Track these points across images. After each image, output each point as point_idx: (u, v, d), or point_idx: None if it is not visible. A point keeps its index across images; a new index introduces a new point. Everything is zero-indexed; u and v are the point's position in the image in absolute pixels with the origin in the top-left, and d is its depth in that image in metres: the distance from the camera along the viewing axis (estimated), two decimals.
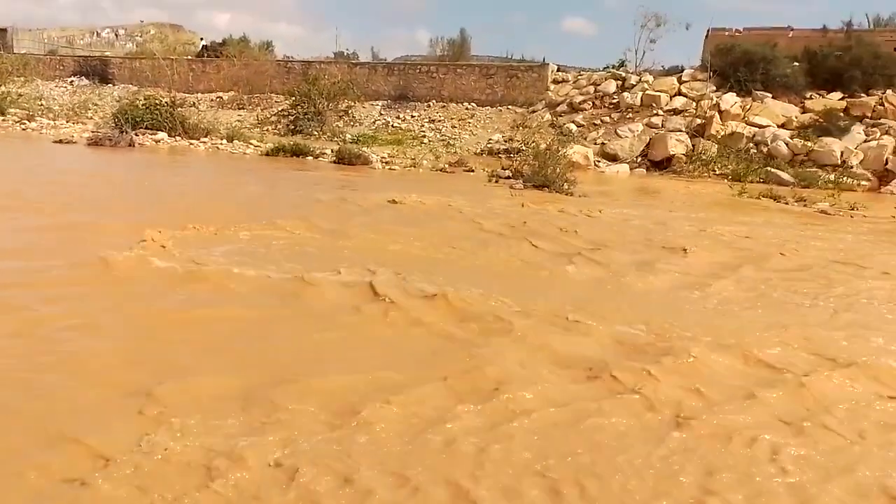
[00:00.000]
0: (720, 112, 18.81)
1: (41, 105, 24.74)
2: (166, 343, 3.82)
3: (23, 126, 20.96)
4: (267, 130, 22.03)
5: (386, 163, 16.56)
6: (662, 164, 17.91)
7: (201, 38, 37.20)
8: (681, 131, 18.52)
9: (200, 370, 3.44)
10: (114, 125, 18.84)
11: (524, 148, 16.34)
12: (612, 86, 21.14)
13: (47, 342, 3.75)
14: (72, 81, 28.87)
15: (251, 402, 3.09)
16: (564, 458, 2.79)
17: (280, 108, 23.64)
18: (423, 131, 21.79)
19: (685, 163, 17.59)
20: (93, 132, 18.59)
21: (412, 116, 22.93)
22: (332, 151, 17.22)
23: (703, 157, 17.58)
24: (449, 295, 4.89)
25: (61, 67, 30.15)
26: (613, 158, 18.42)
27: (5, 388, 3.13)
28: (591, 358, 3.91)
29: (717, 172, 17.05)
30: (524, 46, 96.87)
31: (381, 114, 23.40)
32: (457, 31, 34.12)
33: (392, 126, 22.46)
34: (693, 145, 18.10)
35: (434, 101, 23.59)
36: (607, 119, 20.14)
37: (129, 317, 4.23)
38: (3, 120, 21.77)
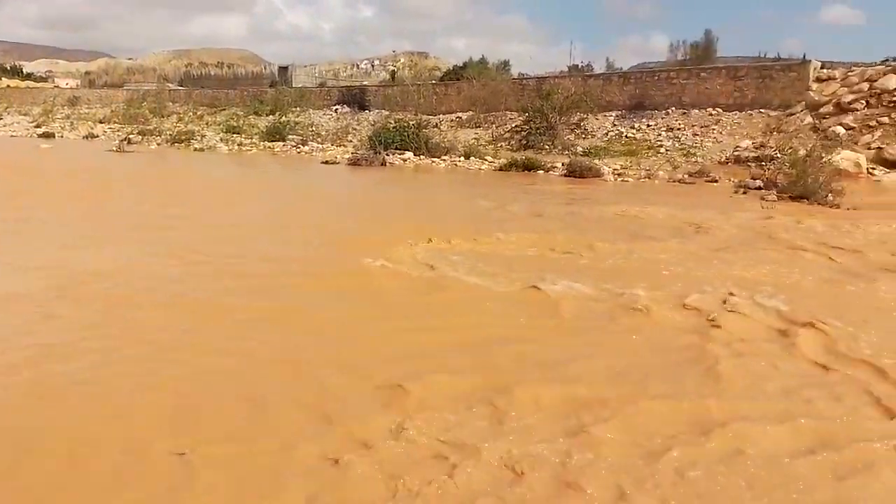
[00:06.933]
0: None
1: (312, 131, 28.53)
2: (415, 343, 4.11)
3: (298, 150, 24.40)
4: (501, 146, 22.80)
5: (618, 175, 16.14)
6: None
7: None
8: None
9: (446, 369, 3.65)
10: (369, 147, 21.07)
11: (778, 155, 14.75)
12: (892, 81, 18.11)
13: (316, 337, 4.27)
14: (336, 109, 32.85)
15: (489, 402, 3.21)
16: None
17: (514, 125, 24.34)
18: (660, 140, 20.78)
19: None
20: (352, 154, 20.96)
21: (648, 126, 22.02)
22: (562, 165, 17.26)
23: None
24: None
25: (328, 97, 34.48)
26: (894, 165, 15.75)
27: (289, 370, 3.62)
28: None
29: None
30: (777, 44, 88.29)
31: (615, 125, 22.86)
32: (696, 34, 32.24)
33: (626, 136, 21.79)
34: None
35: (673, 108, 22.41)
36: (886, 120, 17.30)
37: (381, 319, 4.64)
38: (284, 145, 25.58)
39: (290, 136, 26.81)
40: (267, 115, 32.02)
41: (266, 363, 3.78)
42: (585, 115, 22.97)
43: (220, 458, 2.76)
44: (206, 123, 32.63)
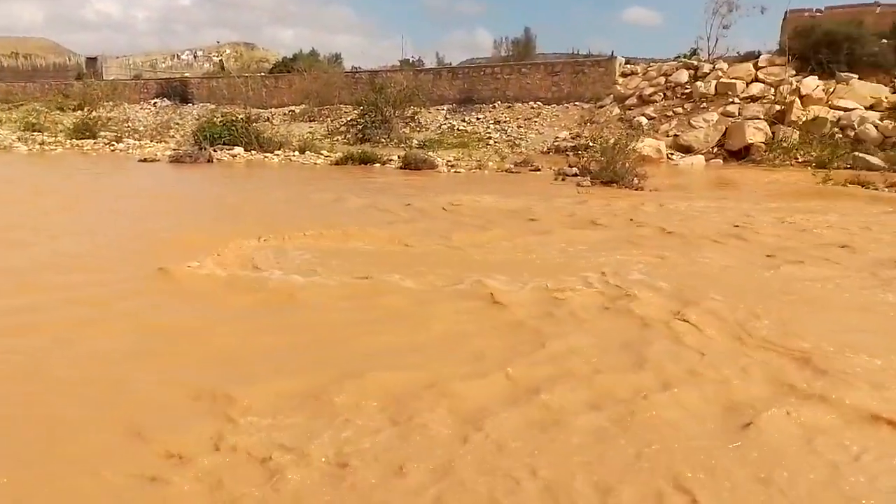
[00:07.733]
0: (801, 97, 17.87)
1: (128, 127, 26.25)
2: (238, 347, 3.95)
3: (112, 147, 22.31)
4: (337, 140, 22.55)
5: (451, 166, 16.62)
6: (740, 154, 17.17)
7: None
8: (759, 119, 17.71)
9: (271, 371, 3.54)
10: (193, 142, 19.82)
11: (591, 144, 16.04)
12: (683, 75, 20.47)
13: (126, 349, 3.95)
14: (155, 103, 30.52)
15: (318, 400, 3.17)
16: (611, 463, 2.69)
17: (349, 119, 24.17)
18: (489, 133, 21.76)
19: (764, 151, 16.81)
20: (174, 150, 19.58)
21: (477, 119, 22.95)
22: (398, 158, 17.44)
23: (784, 145, 16.74)
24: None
25: (145, 90, 31.95)
26: (688, 150, 17.81)
27: (95, 388, 3.32)
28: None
29: (800, 160, 16.19)
30: (589, 41, 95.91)
31: (447, 118, 23.55)
32: (518, 31, 34.06)
33: (458, 129, 22.54)
34: (773, 133, 17.26)
35: (499, 102, 23.55)
36: (680, 110, 19.51)
37: (201, 324, 4.40)
38: (95, 143, 23.27)
39: (101, 133, 24.44)
40: (74, 110, 28.94)
41: (63, 381, 3.42)
42: (419, 109, 23.41)
43: (7, 489, 2.46)
44: (0, 121, 28.82)
